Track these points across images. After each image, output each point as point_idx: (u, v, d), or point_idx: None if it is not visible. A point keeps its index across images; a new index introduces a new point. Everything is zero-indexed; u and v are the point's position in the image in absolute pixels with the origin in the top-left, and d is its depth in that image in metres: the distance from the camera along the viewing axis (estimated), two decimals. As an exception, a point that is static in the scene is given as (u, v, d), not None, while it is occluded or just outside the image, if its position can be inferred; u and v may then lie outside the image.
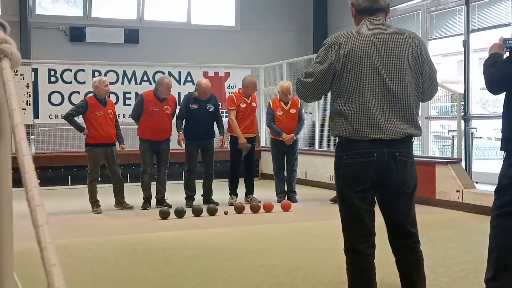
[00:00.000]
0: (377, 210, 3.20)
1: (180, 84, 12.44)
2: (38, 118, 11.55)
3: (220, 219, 7.65)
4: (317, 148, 11.54)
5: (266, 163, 11.83)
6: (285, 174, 9.27)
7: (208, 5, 14.29)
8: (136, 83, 12.21)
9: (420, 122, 3.30)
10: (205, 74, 12.15)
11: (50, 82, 11.67)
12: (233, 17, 14.41)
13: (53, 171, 11.08)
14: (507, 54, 3.81)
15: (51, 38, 12.90)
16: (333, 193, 9.41)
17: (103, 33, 13.07)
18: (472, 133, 9.01)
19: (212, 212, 7.86)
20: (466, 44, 9.65)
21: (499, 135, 3.96)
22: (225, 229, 7.00)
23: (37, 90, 11.53)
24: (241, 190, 9.05)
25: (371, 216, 3.15)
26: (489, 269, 3.81)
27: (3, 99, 1.08)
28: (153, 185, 8.67)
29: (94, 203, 8.26)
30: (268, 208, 8.13)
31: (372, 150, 3.06)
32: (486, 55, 3.93)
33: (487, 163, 10.38)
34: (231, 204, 8.43)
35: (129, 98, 11.77)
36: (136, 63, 12.49)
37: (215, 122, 8.97)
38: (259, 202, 8.42)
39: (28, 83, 11.36)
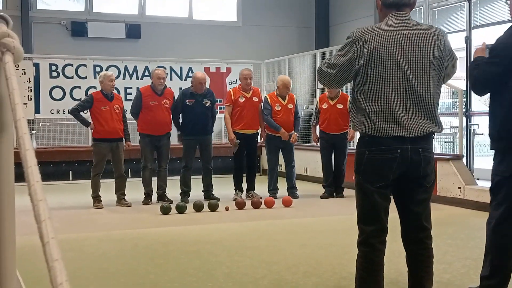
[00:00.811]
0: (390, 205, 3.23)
1: (181, 80, 12.43)
2: (39, 113, 11.55)
3: (221, 215, 7.65)
4: (318, 144, 11.49)
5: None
6: (285, 171, 9.27)
7: (209, 0, 14.27)
8: (137, 78, 12.20)
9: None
10: (207, 70, 12.15)
11: (51, 77, 11.67)
12: (235, 13, 14.39)
13: (54, 166, 11.08)
14: None
15: (53, 33, 12.89)
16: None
17: (104, 28, 13.06)
18: (473, 129, 8.99)
19: (213, 208, 7.86)
20: (468, 40, 9.61)
21: None
22: (226, 224, 7.00)
23: (38, 85, 11.53)
24: (243, 186, 9.05)
25: (387, 212, 3.20)
26: (486, 267, 3.83)
27: (5, 94, 1.08)
28: (154, 180, 8.67)
29: (96, 198, 8.27)
30: (269, 204, 8.13)
31: (396, 146, 3.08)
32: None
33: (489, 159, 10.34)
34: (235, 200, 8.40)
35: (130, 94, 11.75)
36: (138, 58, 12.48)
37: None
38: (260, 198, 8.42)
39: (29, 78, 11.35)
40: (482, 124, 9.19)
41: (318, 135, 9.40)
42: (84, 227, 6.90)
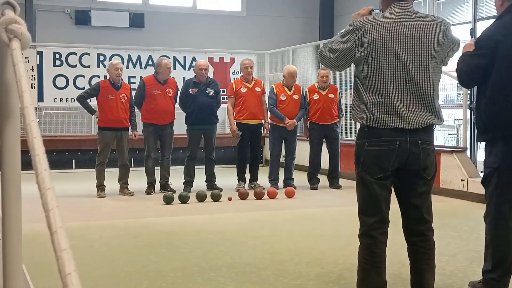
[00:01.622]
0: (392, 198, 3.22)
1: (185, 69, 12.41)
2: (42, 102, 11.55)
3: (224, 205, 7.66)
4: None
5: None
6: (284, 161, 9.26)
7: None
8: (141, 67, 12.19)
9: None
10: (210, 60, 12.11)
11: (55, 65, 11.66)
12: (239, 2, 14.32)
13: (58, 155, 11.08)
14: None
15: (56, 21, 12.85)
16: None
17: (108, 17, 13.01)
18: (477, 122, 8.95)
19: (216, 198, 7.86)
20: (473, 32, 9.56)
21: None
22: (229, 214, 7.00)
23: (41, 73, 11.52)
24: (246, 176, 9.05)
25: (387, 203, 3.19)
26: (487, 261, 3.83)
27: (12, 81, 1.06)
28: (157, 170, 8.67)
29: (99, 186, 8.28)
30: (272, 195, 8.13)
31: (395, 138, 3.08)
32: None
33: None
34: (238, 190, 8.39)
35: (134, 83, 11.72)
36: (141, 47, 12.46)
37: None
38: (263, 188, 8.42)
39: (32, 66, 11.34)
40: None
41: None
42: (87, 216, 6.91)
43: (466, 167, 8.19)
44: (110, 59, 11.07)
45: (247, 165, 9.09)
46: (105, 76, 8.60)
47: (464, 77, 3.85)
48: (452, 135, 9.54)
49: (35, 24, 12.55)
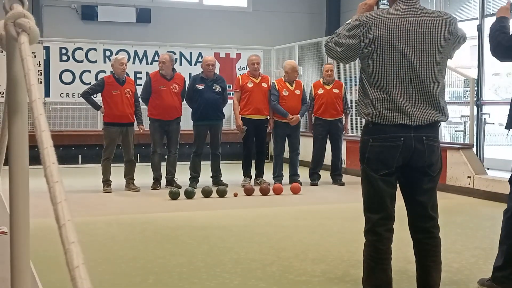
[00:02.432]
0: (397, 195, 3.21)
1: (191, 65, 12.41)
2: (49, 97, 11.57)
3: (230, 201, 7.66)
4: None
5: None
6: (289, 157, 9.25)
7: (220, -15, 14.18)
8: (147, 63, 12.18)
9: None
10: (216, 55, 12.09)
11: (61, 60, 11.67)
12: (245, -2, 14.30)
13: (64, 150, 11.10)
14: None
15: (63, 16, 12.86)
16: (343, 176, 9.40)
17: (114, 12, 13.02)
18: (484, 119, 8.93)
19: (221, 194, 7.87)
20: (480, 29, 9.53)
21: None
22: (235, 210, 7.01)
23: (48, 68, 11.54)
24: (252, 172, 9.05)
25: (393, 200, 3.18)
26: (499, 257, 3.80)
27: (21, 75, 1.07)
28: (163, 165, 8.69)
29: (105, 182, 8.30)
30: (278, 191, 8.12)
31: (399, 134, 3.07)
32: None
33: (499, 149, 10.30)
34: (243, 186, 8.39)
35: (140, 78, 11.74)
36: (148, 43, 12.46)
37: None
38: (269, 184, 8.42)
39: (39, 61, 11.36)
40: (493, 114, 9.13)
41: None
42: (93, 211, 6.92)
43: (472, 164, 8.17)
44: (116, 54, 11.08)
45: (253, 161, 9.09)
46: (111, 72, 8.60)
47: (502, 51, 3.72)
48: (458, 131, 9.50)
49: (41, 19, 12.57)
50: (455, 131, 9.73)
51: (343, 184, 9.08)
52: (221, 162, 8.96)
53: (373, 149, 3.12)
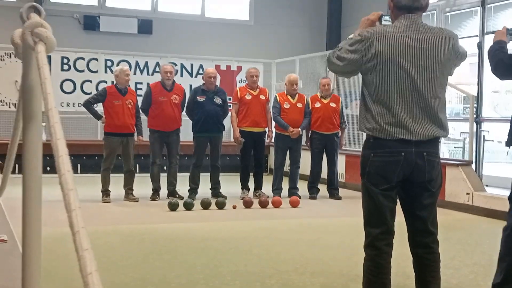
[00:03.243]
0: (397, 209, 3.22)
1: (192, 77, 12.46)
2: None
3: (229, 213, 7.66)
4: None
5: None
6: (289, 170, 9.25)
7: (222, -2, 14.27)
8: (148, 73, 12.24)
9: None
10: (217, 68, 12.13)
11: (62, 70, 11.72)
12: (247, 11, 14.38)
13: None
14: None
15: (65, 26, 12.90)
16: (342, 191, 9.41)
17: (116, 23, 13.08)
18: (483, 135, 8.96)
19: (220, 206, 7.87)
20: (480, 46, 9.58)
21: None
22: (234, 222, 7.01)
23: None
24: (250, 185, 9.06)
25: (393, 214, 3.19)
26: (498, 274, 3.80)
27: (37, 83, 1.08)
28: (163, 176, 8.69)
29: (105, 192, 8.30)
30: (277, 204, 8.12)
31: (400, 149, 3.08)
32: None
33: (498, 166, 10.33)
34: (243, 198, 8.39)
35: (141, 89, 11.77)
36: (149, 54, 12.51)
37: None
38: (268, 197, 8.43)
39: (40, 70, 11.39)
40: (492, 131, 9.16)
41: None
42: (92, 220, 6.91)
43: (471, 180, 8.18)
44: (117, 65, 11.12)
45: (251, 174, 9.10)
46: (112, 82, 8.63)
47: (502, 68, 3.79)
48: (458, 148, 9.53)
49: (44, 29, 12.60)
50: (455, 147, 9.76)
51: (340, 198, 9.09)
52: (220, 174, 8.96)
53: (374, 163, 3.14)
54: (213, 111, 8.68)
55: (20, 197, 1.29)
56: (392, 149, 3.09)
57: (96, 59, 11.96)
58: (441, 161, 3.33)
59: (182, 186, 8.76)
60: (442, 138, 3.28)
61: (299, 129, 8.98)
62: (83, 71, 11.87)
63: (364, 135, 3.31)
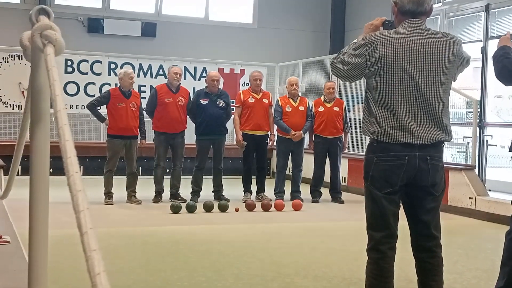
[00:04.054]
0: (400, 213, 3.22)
1: (195, 80, 12.48)
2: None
3: (231, 216, 7.66)
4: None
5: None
6: (291, 173, 9.26)
7: (226, 1, 14.29)
8: (151, 76, 12.26)
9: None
10: (221, 71, 12.16)
11: (66, 72, 11.73)
12: (251, 15, 14.40)
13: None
14: None
15: (69, 29, 12.91)
16: (344, 194, 9.41)
17: (120, 26, 13.10)
18: (487, 140, 8.96)
19: (223, 209, 7.87)
20: (484, 51, 9.59)
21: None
22: (236, 225, 7.01)
23: (53, 79, 11.59)
24: (253, 188, 9.06)
25: (396, 218, 3.20)
26: (501, 279, 3.80)
27: (46, 85, 1.09)
28: (166, 179, 8.70)
29: (107, 194, 8.31)
30: (279, 207, 8.13)
31: (404, 153, 3.08)
32: None
33: (501, 171, 10.32)
34: (245, 201, 8.39)
35: (144, 92, 11.80)
36: (153, 56, 12.53)
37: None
38: (270, 200, 8.43)
39: (44, 72, 11.42)
40: (495, 135, 9.16)
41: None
42: (95, 222, 6.77)
43: (474, 185, 8.17)
44: (121, 67, 11.14)
45: (253, 177, 9.11)
46: (116, 84, 8.65)
47: (506, 74, 3.80)
48: (461, 152, 9.53)
49: (48, 31, 12.64)
50: (458, 152, 9.75)
51: (342, 202, 9.09)
52: (223, 177, 8.97)
53: (378, 167, 3.14)
54: (216, 114, 8.69)
55: (22, 198, 1.30)
56: (396, 153, 3.09)
57: (100, 62, 11.99)
58: (444, 165, 3.33)
59: (184, 189, 8.77)
60: (446, 142, 3.28)
61: (301, 132, 8.99)
62: (86, 73, 11.89)
63: (368, 139, 3.31)
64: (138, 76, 12.05)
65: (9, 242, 4.45)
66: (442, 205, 3.63)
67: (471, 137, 8.84)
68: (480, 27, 10.09)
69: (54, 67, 1.07)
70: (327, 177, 9.35)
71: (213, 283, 4.45)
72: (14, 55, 11.43)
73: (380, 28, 3.29)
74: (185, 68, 12.37)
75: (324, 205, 8.96)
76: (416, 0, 3.15)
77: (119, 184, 8.50)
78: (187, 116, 8.81)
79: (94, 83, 11.86)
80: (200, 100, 8.72)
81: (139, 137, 8.52)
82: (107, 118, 8.46)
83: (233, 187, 9.43)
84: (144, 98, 11.08)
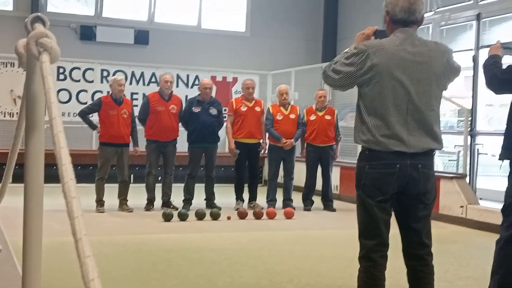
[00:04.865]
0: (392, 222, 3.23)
1: (187, 87, 12.48)
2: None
3: (223, 224, 7.66)
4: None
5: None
6: (283, 182, 9.27)
7: (219, 10, 14.33)
8: (144, 84, 12.25)
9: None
10: (213, 79, 12.16)
11: (58, 79, 11.69)
12: (244, 23, 14.44)
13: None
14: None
15: (62, 36, 12.83)
16: (336, 203, 9.42)
17: (113, 33, 13.11)
18: (478, 149, 9.00)
19: (215, 217, 7.87)
20: (475, 59, 9.64)
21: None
22: (229, 233, 7.00)
23: (45, 87, 11.56)
24: (245, 196, 9.06)
25: (387, 226, 3.21)
26: (491, 286, 3.82)
27: (41, 92, 1.10)
28: (158, 187, 8.68)
29: (99, 202, 8.28)
30: (271, 215, 8.13)
31: (395, 161, 3.10)
32: None
33: (492, 180, 10.37)
34: (237, 210, 8.39)
35: (136, 99, 11.78)
36: (145, 64, 12.53)
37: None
38: (262, 208, 8.43)
39: (36, 80, 11.38)
40: (486, 144, 9.21)
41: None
42: (86, 230, 6.88)
43: (465, 193, 8.21)
44: (113, 75, 11.13)
45: (245, 185, 9.11)
46: (108, 92, 8.64)
47: (496, 83, 3.83)
48: (452, 161, 9.57)
49: (40, 38, 12.61)
50: (449, 160, 9.80)
51: (334, 210, 9.10)
52: (215, 185, 8.97)
53: (369, 175, 3.16)
54: (208, 122, 8.70)
55: (13, 206, 1.29)
56: (387, 161, 3.11)
57: (92, 69, 11.97)
58: (435, 174, 3.35)
59: (176, 197, 8.76)
60: (437, 150, 3.30)
61: (292, 140, 9.00)
62: (79, 81, 11.87)
63: (359, 147, 3.33)
64: (131, 83, 12.04)
65: (0, 250, 4.43)
66: (433, 214, 3.65)
67: (462, 146, 8.89)
68: (472, 36, 10.17)
69: (50, 74, 1.08)
70: (319, 185, 9.36)
71: (205, 291, 4.45)
72: (6, 63, 11.40)
73: (372, 38, 3.32)
74: (178, 76, 12.37)
75: (316, 213, 8.96)
76: (407, 9, 3.17)
77: (111, 192, 8.47)
78: (179, 124, 8.82)
79: (86, 91, 11.84)
80: (193, 108, 8.72)
81: (131, 144, 8.51)
82: (99, 125, 8.44)
83: (225, 195, 9.42)
84: (136, 106, 11.06)
